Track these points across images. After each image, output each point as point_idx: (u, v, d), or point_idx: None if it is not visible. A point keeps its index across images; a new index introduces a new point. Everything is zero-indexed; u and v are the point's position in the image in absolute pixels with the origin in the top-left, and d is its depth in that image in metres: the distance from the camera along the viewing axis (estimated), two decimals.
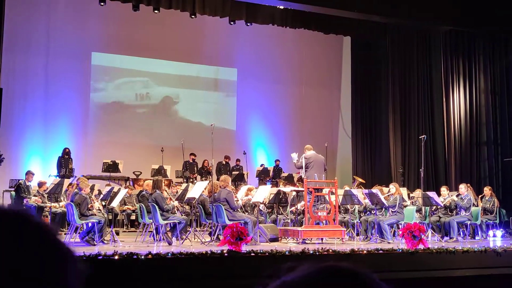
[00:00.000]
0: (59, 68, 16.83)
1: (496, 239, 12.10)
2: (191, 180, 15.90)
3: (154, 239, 10.38)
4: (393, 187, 11.71)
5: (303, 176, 11.18)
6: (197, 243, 10.24)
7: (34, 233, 0.94)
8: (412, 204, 12.22)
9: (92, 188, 11.33)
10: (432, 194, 11.83)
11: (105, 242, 9.93)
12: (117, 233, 11.63)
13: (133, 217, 13.49)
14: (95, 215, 9.93)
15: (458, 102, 16.26)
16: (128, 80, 18.19)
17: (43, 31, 16.77)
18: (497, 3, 14.70)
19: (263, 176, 16.85)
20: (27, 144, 16.29)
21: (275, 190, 12.39)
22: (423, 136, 13.47)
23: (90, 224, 9.77)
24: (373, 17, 14.99)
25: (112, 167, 14.96)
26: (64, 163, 14.82)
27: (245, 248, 7.62)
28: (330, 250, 7.81)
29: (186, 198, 11.09)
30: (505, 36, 15.76)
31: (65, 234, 10.87)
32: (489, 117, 16.25)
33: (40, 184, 12.56)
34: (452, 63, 16.36)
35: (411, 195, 13.06)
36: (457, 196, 12.13)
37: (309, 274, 0.99)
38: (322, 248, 7.93)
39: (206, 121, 17.99)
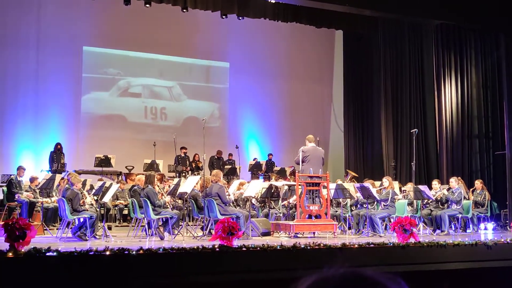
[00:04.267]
0: (50, 63, 16.75)
1: (487, 232, 12.16)
2: (183, 174, 15.91)
3: (146, 234, 10.39)
4: (386, 181, 11.73)
5: (299, 170, 11.07)
6: (189, 237, 10.26)
7: None
8: (404, 198, 12.24)
9: (84, 183, 11.32)
10: (424, 187, 11.86)
11: (97, 237, 9.93)
12: (110, 228, 11.64)
13: (125, 212, 13.49)
14: (87, 210, 9.92)
15: (450, 95, 16.30)
16: (120, 74, 18.11)
17: (33, 25, 16.68)
18: None
19: (255, 170, 16.85)
20: (19, 139, 16.24)
21: (267, 184, 12.38)
22: (415, 130, 13.50)
23: (82, 220, 9.76)
24: (364, 11, 14.98)
25: (104, 161, 14.94)
26: (56, 158, 14.78)
27: (236, 242, 7.63)
28: (322, 244, 7.82)
29: (178, 192, 11.09)
30: (495, 30, 15.78)
31: (57, 229, 10.89)
32: (481, 110, 16.31)
33: (32, 179, 12.52)
34: (444, 57, 16.39)
35: (402, 188, 13.09)
36: (448, 189, 12.17)
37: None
38: (314, 242, 7.93)
39: (198, 115, 17.98)
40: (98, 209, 10.48)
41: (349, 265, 1.14)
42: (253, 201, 12.05)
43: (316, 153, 11.11)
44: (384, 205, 11.24)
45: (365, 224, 11.06)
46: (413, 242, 8.38)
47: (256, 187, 11.45)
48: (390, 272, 1.16)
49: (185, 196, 11.02)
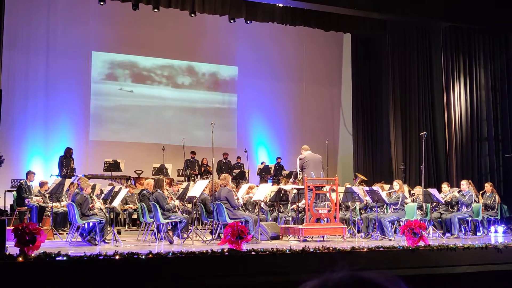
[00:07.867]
0: (59, 68, 16.84)
1: (497, 235, 12.10)
2: (192, 178, 15.94)
3: (155, 238, 10.41)
4: (396, 184, 11.70)
5: (299, 178, 11.15)
6: (198, 241, 10.27)
7: None
8: (413, 201, 12.19)
9: (93, 188, 11.35)
10: (433, 190, 11.82)
11: (107, 241, 9.96)
12: (119, 232, 11.66)
13: (134, 216, 13.50)
14: (96, 214, 9.95)
15: (459, 98, 16.25)
16: (129, 79, 18.18)
17: (43, 31, 16.78)
18: None
19: (264, 173, 16.84)
20: (28, 144, 16.31)
21: (275, 188, 12.37)
22: (424, 132, 13.46)
23: (91, 224, 9.79)
24: (372, 14, 14.95)
25: (113, 166, 14.97)
26: (66, 163, 14.83)
27: (245, 246, 7.63)
28: (331, 248, 7.81)
29: (187, 197, 11.11)
30: (504, 32, 15.72)
31: (67, 234, 10.92)
32: (490, 113, 16.24)
33: (42, 184, 12.56)
34: (453, 60, 16.35)
35: (412, 191, 13.04)
36: (458, 192, 12.12)
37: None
38: (323, 246, 7.92)
39: (207, 119, 17.99)
40: (107, 214, 10.51)
41: (349, 268, 1.15)
42: (262, 205, 12.05)
43: (314, 158, 11.38)
44: (393, 208, 11.21)
45: (375, 228, 11.02)
46: (422, 245, 8.36)
47: (265, 191, 11.45)
48: (392, 275, 1.17)
49: (194, 200, 11.03)
